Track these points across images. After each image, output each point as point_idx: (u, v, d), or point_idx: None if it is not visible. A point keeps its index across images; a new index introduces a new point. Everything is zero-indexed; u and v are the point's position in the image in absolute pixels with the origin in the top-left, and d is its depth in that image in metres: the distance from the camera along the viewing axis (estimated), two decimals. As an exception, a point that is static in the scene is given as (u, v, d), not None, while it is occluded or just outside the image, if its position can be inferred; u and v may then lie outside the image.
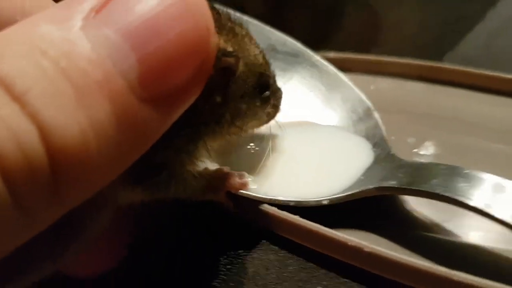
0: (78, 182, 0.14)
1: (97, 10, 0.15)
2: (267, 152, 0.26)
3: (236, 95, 0.23)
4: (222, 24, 0.22)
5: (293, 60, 0.33)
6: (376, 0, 0.58)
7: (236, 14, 0.24)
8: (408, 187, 0.23)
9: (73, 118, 0.14)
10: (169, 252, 0.25)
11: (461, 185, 0.22)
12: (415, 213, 0.25)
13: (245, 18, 0.32)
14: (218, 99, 0.22)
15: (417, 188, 0.23)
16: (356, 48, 0.46)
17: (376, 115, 0.29)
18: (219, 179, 0.24)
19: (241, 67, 0.22)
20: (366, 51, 0.46)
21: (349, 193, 0.24)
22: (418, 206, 0.25)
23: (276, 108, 0.26)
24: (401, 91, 0.36)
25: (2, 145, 0.13)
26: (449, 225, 0.24)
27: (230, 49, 0.21)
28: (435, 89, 0.35)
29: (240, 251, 0.24)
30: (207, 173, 0.24)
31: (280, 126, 0.27)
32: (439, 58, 0.43)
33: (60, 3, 0.16)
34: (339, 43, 0.50)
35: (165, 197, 0.23)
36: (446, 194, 0.22)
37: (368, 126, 0.29)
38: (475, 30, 0.47)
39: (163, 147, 0.20)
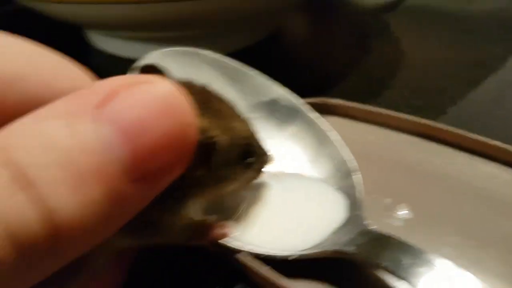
0: (72, 244, 0.18)
1: (98, 105, 0.19)
2: (249, 201, 0.30)
3: (219, 165, 0.26)
4: (204, 104, 0.25)
5: (291, 115, 0.36)
6: (401, 39, 0.60)
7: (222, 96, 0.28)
8: (361, 257, 0.26)
9: (72, 203, 0.18)
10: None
11: (407, 262, 0.25)
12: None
13: (251, 72, 0.35)
14: (201, 172, 0.25)
15: (367, 259, 0.25)
16: (370, 86, 0.49)
17: (354, 177, 0.32)
18: (203, 229, 0.28)
19: (222, 140, 0.25)
20: (380, 89, 0.48)
21: (310, 252, 0.27)
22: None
23: (258, 172, 0.29)
24: (397, 146, 0.37)
25: (13, 221, 0.17)
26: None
27: (206, 126, 0.24)
28: (430, 146, 0.37)
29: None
30: (192, 224, 0.28)
31: (269, 175, 0.31)
32: (453, 103, 0.45)
33: (70, 96, 0.20)
34: (358, 76, 0.52)
35: (153, 244, 0.27)
36: (390, 268, 0.24)
37: (348, 185, 0.32)
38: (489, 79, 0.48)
39: (151, 209, 0.24)
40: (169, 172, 0.21)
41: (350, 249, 0.26)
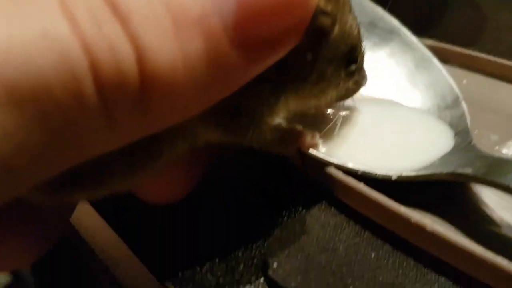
0: (162, 105, 0.15)
1: None
2: (341, 120, 0.26)
3: (325, 58, 0.22)
4: None
5: (388, 36, 0.32)
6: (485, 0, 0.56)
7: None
8: (483, 177, 0.22)
9: (167, 47, 0.14)
10: (233, 195, 0.26)
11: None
12: (486, 208, 0.24)
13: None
14: (309, 56, 0.22)
15: (491, 179, 0.22)
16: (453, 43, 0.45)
17: (464, 105, 0.28)
18: (292, 135, 0.25)
19: (336, 31, 0.22)
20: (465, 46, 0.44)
21: (419, 173, 0.24)
22: (492, 202, 0.24)
23: (358, 86, 0.26)
24: (493, 91, 0.34)
25: (101, 56, 0.14)
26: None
27: (328, 10, 0.21)
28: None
29: (299, 208, 0.25)
30: (281, 128, 0.25)
31: (362, 99, 0.27)
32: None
33: None
34: (437, 36, 0.48)
35: (241, 143, 0.23)
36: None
37: (454, 115, 0.28)
38: None
39: (247, 95, 0.21)
40: (277, 44, 0.17)
41: (467, 170, 0.23)
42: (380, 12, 0.33)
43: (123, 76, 0.14)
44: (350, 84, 0.25)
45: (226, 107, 0.21)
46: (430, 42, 0.37)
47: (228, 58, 0.16)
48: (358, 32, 0.25)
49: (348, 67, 0.24)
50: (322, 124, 0.26)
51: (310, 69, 0.22)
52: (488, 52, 0.43)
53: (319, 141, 0.25)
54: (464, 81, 0.35)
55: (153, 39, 0.14)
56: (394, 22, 0.33)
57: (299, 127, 0.25)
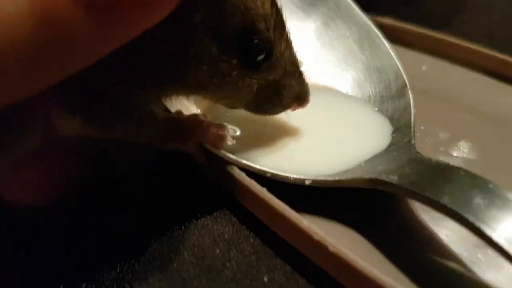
0: None
1: None
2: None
3: (208, 26, 0.17)
4: None
5: (332, 11, 0.27)
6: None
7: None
8: (409, 188, 0.18)
9: None
10: (122, 195, 0.22)
11: (479, 202, 0.16)
12: (415, 222, 0.20)
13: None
14: (197, 18, 0.16)
15: (418, 192, 0.17)
16: (427, 24, 0.40)
17: (410, 96, 0.24)
18: (190, 127, 0.20)
19: None
20: (437, 29, 0.40)
21: (336, 178, 0.19)
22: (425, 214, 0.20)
23: (265, 77, 0.19)
24: (455, 79, 0.29)
25: None
26: (454, 248, 0.19)
27: None
28: (498, 86, 0.29)
29: (197, 214, 0.20)
30: (176, 118, 0.20)
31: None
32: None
33: None
34: (408, 17, 0.43)
35: (114, 137, 0.19)
36: (453, 208, 0.16)
37: (397, 106, 0.24)
38: None
39: (110, 73, 0.16)
40: (141, 11, 0.13)
41: (393, 178, 0.18)
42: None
43: None
44: (257, 84, 0.19)
45: (80, 90, 0.16)
46: (388, 21, 0.33)
47: (66, 19, 0.12)
48: (275, 18, 0.19)
49: (247, 55, 0.18)
50: (237, 112, 0.22)
51: (188, 40, 0.17)
52: (463, 35, 0.38)
53: (227, 134, 0.20)
54: (424, 67, 0.31)
55: None
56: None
57: (201, 116, 0.21)
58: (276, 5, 0.19)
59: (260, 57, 0.18)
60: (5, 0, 0.11)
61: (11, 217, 0.20)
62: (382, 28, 0.31)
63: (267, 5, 0.18)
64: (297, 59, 0.20)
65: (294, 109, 0.21)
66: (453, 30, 0.39)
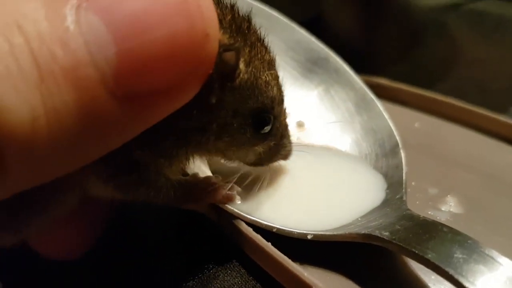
0: (23, 164, 0.14)
1: None
2: (267, 173, 0.24)
3: (229, 107, 0.20)
4: (238, 32, 0.20)
5: (332, 76, 0.30)
6: (461, 35, 0.54)
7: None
8: (398, 243, 0.20)
9: (27, 100, 0.13)
10: (139, 248, 0.24)
11: (459, 256, 0.19)
12: (408, 273, 0.22)
13: (295, 26, 0.30)
14: (213, 100, 0.19)
15: (406, 247, 0.20)
16: (422, 78, 0.43)
17: (402, 154, 0.26)
18: (203, 189, 0.22)
19: (244, 75, 0.20)
20: (431, 84, 0.43)
21: (335, 233, 0.22)
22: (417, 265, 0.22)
23: (274, 156, 0.23)
24: (446, 135, 0.32)
25: None
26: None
27: (232, 43, 0.19)
28: (487, 141, 0.31)
29: (209, 265, 0.23)
30: (191, 180, 0.23)
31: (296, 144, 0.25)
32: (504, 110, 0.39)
33: None
34: (406, 71, 0.46)
35: (138, 200, 0.21)
36: (436, 262, 0.19)
37: (391, 164, 0.26)
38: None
39: (140, 148, 0.19)
40: (169, 97, 0.15)
41: (385, 233, 0.21)
42: (326, 51, 0.31)
43: None
44: (262, 149, 0.23)
45: (114, 162, 0.19)
46: (386, 81, 0.36)
47: (106, 111, 0.14)
48: (279, 93, 0.22)
49: (258, 129, 0.21)
50: (241, 174, 0.24)
51: (212, 117, 0.20)
52: (457, 89, 0.41)
53: (237, 195, 0.23)
54: (417, 124, 0.33)
55: (7, 92, 0.13)
56: (339, 62, 0.31)
57: (213, 178, 0.23)
58: (280, 87, 0.22)
59: (267, 128, 0.22)
60: (54, 96, 0.13)
61: (44, 269, 0.23)
62: (379, 87, 0.34)
63: (275, 89, 0.22)
64: (287, 124, 0.24)
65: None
66: (448, 84, 0.42)
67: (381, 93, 0.35)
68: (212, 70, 0.17)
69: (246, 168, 0.24)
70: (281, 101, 0.22)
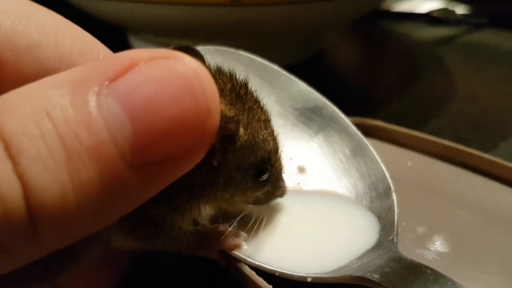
0: (54, 231, 0.16)
1: (112, 79, 0.17)
2: (264, 217, 0.27)
3: (232, 164, 0.23)
4: (236, 97, 0.23)
5: (328, 123, 0.33)
6: (456, 70, 0.57)
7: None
8: (386, 286, 0.22)
9: (57, 179, 0.15)
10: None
11: (440, 297, 0.21)
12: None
13: (291, 77, 0.33)
14: (214, 163, 0.22)
15: (393, 289, 0.22)
16: (417, 114, 0.46)
17: (394, 197, 0.29)
18: (213, 237, 0.25)
19: (244, 139, 0.23)
20: (427, 118, 0.45)
21: (330, 275, 0.24)
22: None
23: (270, 197, 0.27)
24: (436, 173, 0.34)
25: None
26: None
27: (232, 115, 0.22)
28: (475, 179, 0.34)
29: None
30: (201, 230, 0.25)
31: (293, 190, 0.28)
32: (505, 139, 0.41)
33: (84, 65, 0.18)
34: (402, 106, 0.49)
35: (156, 249, 0.24)
36: (419, 303, 0.21)
37: (384, 206, 0.29)
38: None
39: (155, 205, 0.22)
40: (178, 163, 0.18)
41: (375, 276, 0.23)
42: (323, 100, 0.34)
43: (8, 213, 0.15)
44: (261, 193, 0.26)
45: (134, 218, 0.22)
46: (380, 123, 0.38)
47: (124, 180, 0.17)
48: (274, 145, 0.25)
49: (257, 177, 0.25)
50: (244, 221, 0.27)
51: (218, 174, 0.23)
52: (450, 125, 0.44)
53: (242, 241, 0.25)
54: (409, 163, 0.36)
55: (40, 173, 0.15)
56: (335, 110, 0.34)
57: (221, 227, 0.26)
58: (276, 137, 0.26)
59: (264, 177, 0.25)
60: (81, 172, 0.16)
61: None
62: (374, 128, 0.37)
63: (272, 143, 0.25)
64: (282, 166, 0.27)
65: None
66: (442, 120, 0.45)
67: (376, 134, 0.38)
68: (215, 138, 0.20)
69: (247, 208, 0.27)
70: (276, 151, 0.26)
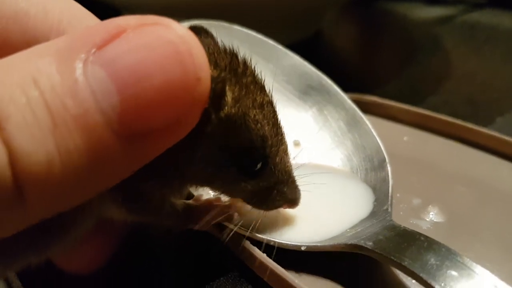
0: (41, 199, 0.16)
1: (99, 46, 0.16)
2: None
3: (216, 140, 0.21)
4: (231, 70, 0.22)
5: (323, 98, 0.33)
6: (453, 49, 0.57)
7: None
8: (379, 252, 0.22)
9: (43, 145, 0.15)
10: (150, 262, 0.27)
11: (433, 263, 0.21)
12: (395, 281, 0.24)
13: (289, 52, 0.33)
14: (208, 129, 0.21)
15: (386, 256, 0.22)
16: (414, 93, 0.46)
17: (389, 168, 0.29)
18: (204, 211, 0.25)
19: (231, 108, 0.21)
20: (425, 96, 0.45)
21: (324, 244, 0.24)
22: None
23: (270, 203, 0.24)
24: (432, 148, 0.34)
25: None
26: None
27: (215, 75, 0.20)
28: (471, 153, 0.34)
29: (214, 275, 0.25)
30: (192, 204, 0.25)
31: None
32: (502, 115, 0.41)
33: (72, 34, 0.17)
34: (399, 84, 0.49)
35: (147, 222, 0.24)
36: (411, 268, 0.21)
37: (378, 177, 0.29)
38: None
39: (145, 179, 0.21)
40: (162, 135, 0.17)
41: (369, 243, 0.23)
42: (319, 75, 0.34)
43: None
44: (250, 186, 0.23)
45: (125, 190, 0.22)
46: (376, 98, 0.38)
47: (111, 149, 0.16)
48: (272, 133, 0.23)
49: (247, 165, 0.23)
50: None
51: (196, 148, 0.21)
52: (447, 102, 0.44)
53: (234, 213, 0.25)
54: (405, 138, 0.36)
55: (26, 139, 0.15)
56: (331, 84, 0.33)
57: (214, 200, 0.26)
58: (278, 126, 0.23)
59: (255, 168, 0.23)
60: (67, 140, 0.15)
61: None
62: (370, 104, 0.37)
63: (267, 128, 0.22)
64: (291, 169, 0.24)
65: (285, 208, 0.25)
66: (438, 98, 0.45)
67: (372, 109, 0.38)
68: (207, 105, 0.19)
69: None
70: (278, 143, 0.23)
